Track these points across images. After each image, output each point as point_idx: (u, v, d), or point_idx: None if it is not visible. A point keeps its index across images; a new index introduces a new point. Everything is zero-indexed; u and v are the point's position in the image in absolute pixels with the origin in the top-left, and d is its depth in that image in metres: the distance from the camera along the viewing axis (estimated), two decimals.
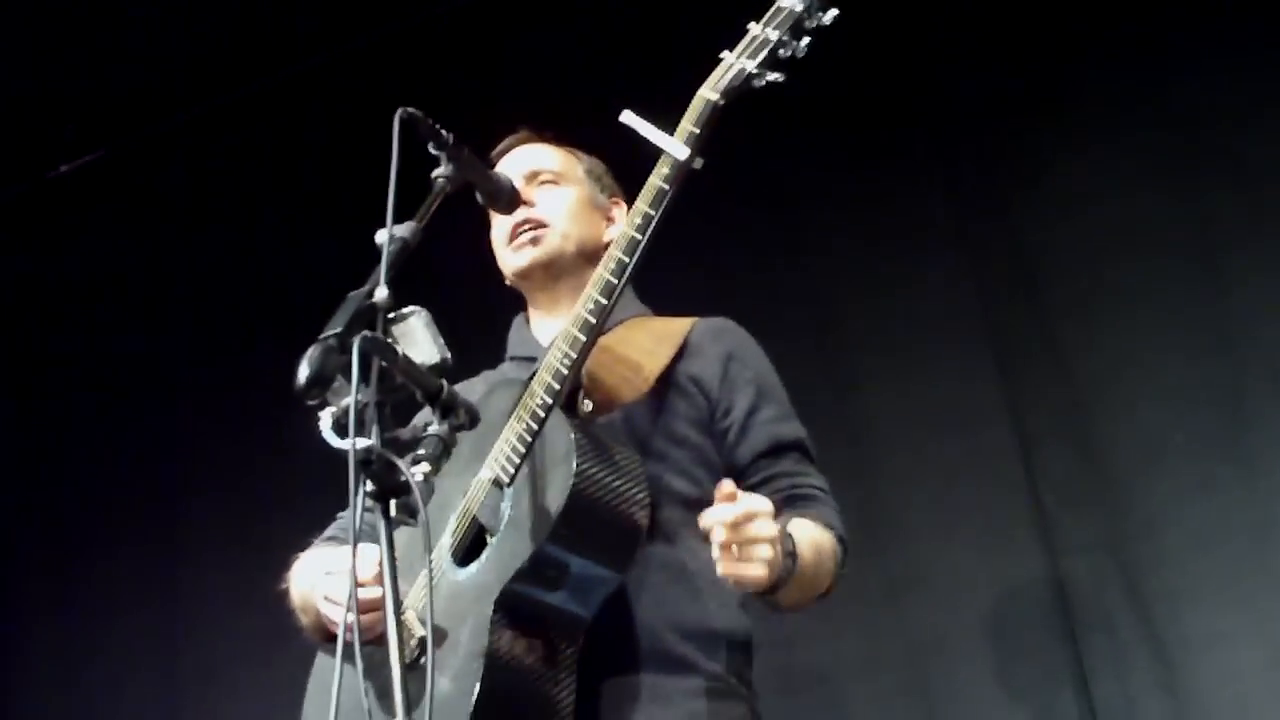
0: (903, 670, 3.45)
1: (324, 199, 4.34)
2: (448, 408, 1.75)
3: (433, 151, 2.05)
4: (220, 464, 4.37)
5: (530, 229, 2.38)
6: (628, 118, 2.07)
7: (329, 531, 2.47)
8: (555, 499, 2.02)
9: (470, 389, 2.35)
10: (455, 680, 2.01)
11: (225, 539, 4.27)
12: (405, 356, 1.72)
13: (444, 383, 1.76)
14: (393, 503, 1.63)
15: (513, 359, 2.45)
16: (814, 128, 3.81)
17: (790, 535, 2.03)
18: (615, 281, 2.07)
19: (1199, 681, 3.18)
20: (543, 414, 2.07)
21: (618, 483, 2.06)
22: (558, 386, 2.07)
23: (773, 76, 2.03)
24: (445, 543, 2.17)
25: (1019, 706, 3.35)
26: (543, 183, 2.43)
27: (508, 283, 2.47)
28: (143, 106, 4.60)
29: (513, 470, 2.08)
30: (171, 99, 4.58)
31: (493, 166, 2.37)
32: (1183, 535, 3.28)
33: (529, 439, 2.08)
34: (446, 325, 1.82)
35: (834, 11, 2.00)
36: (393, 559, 1.63)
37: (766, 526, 1.92)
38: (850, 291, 3.77)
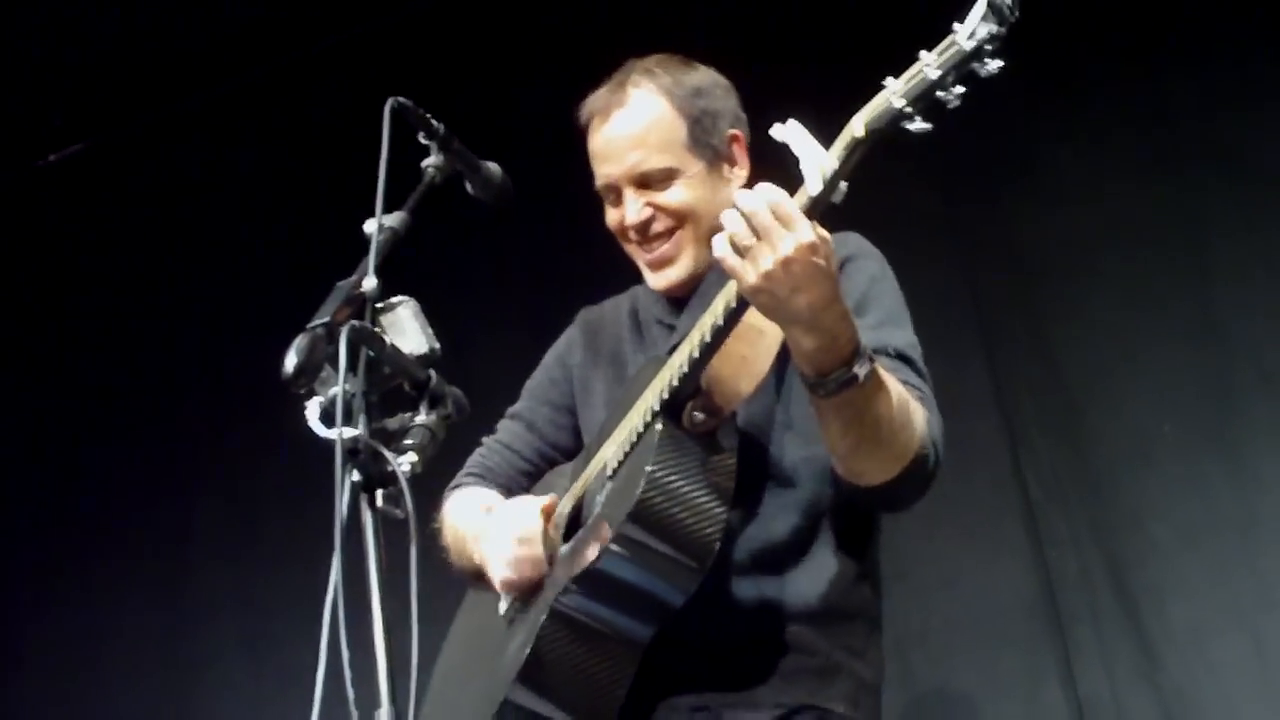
0: (888, 663, 3.44)
1: (316, 188, 4.32)
2: (435, 398, 1.74)
3: (423, 141, 2.04)
4: (223, 462, 4.36)
5: (655, 244, 2.22)
6: (786, 131, 1.92)
7: (470, 467, 2.39)
8: (625, 507, 1.94)
9: (602, 321, 2.37)
10: (512, 654, 2.06)
11: (227, 537, 4.26)
12: (393, 346, 1.72)
13: (432, 373, 1.75)
14: (379, 493, 1.62)
15: (659, 324, 2.30)
16: (806, 118, 3.79)
17: (868, 346, 1.89)
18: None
19: (1184, 674, 3.20)
20: (649, 418, 2.01)
21: (696, 497, 1.95)
22: (666, 396, 1.99)
23: (918, 126, 1.83)
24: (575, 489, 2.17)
25: (1004, 699, 3.36)
26: (655, 186, 2.21)
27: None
28: (131, 97, 4.58)
29: (616, 464, 2.05)
30: (159, 89, 4.56)
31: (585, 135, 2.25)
32: (1169, 529, 3.29)
33: (634, 439, 2.03)
34: (436, 317, 1.81)
35: (999, 63, 1.82)
36: (379, 555, 1.60)
37: (788, 243, 1.81)
38: None
